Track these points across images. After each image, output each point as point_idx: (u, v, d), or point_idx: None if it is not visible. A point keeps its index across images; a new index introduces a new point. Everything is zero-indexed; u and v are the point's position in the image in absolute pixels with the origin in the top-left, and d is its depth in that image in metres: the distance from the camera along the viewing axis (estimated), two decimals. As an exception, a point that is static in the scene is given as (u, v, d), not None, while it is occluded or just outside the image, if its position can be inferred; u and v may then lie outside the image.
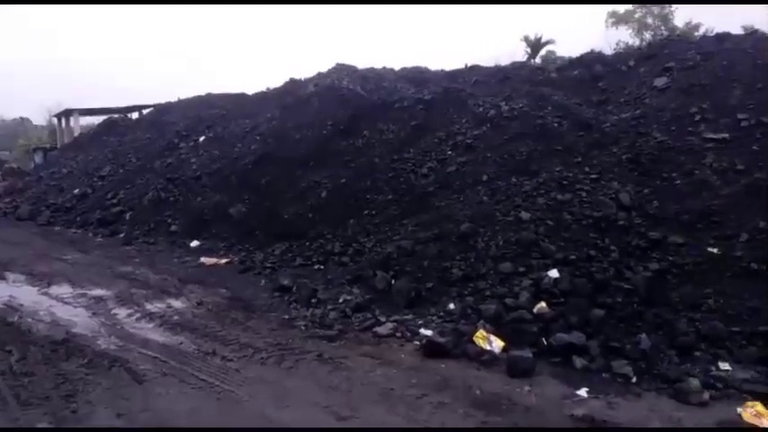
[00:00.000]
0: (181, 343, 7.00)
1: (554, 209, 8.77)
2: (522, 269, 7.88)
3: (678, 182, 8.97)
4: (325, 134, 13.67)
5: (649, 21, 52.63)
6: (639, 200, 8.93)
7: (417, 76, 17.91)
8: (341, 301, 8.40)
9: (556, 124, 11.26)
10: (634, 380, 6.02)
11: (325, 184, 12.23)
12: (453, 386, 5.83)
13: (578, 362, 6.35)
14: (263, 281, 9.98)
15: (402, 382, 5.94)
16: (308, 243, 11.09)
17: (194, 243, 12.77)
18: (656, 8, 52.24)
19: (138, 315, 8.11)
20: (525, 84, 14.43)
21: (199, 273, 10.67)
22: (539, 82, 14.64)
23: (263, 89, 21.26)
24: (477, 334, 6.81)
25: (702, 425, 5.08)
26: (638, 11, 52.67)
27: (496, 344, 6.66)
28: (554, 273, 7.56)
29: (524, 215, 8.77)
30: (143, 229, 14.25)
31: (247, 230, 12.48)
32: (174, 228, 13.79)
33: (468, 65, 18.20)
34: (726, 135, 9.50)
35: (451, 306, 7.80)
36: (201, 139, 17.95)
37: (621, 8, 53.03)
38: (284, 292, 9.12)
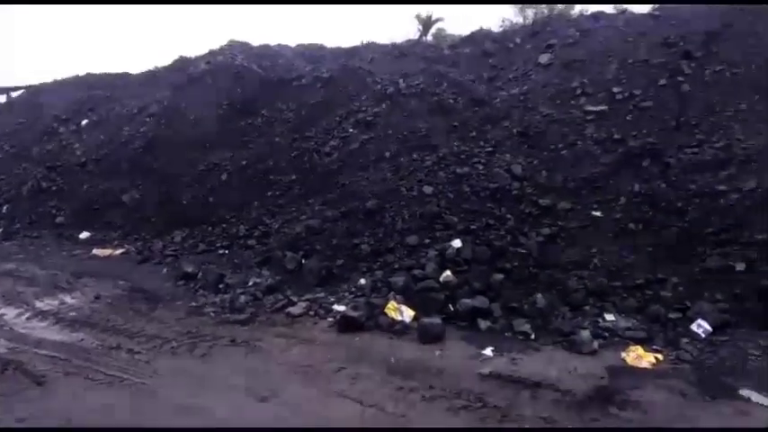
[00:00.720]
0: (81, 340, 6.62)
1: (454, 182, 9.15)
2: (427, 241, 8.20)
3: (564, 152, 9.64)
4: (221, 114, 13.22)
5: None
6: (530, 170, 9.52)
7: (314, 54, 17.71)
8: (250, 284, 8.30)
9: (452, 101, 11.68)
10: (533, 336, 6.54)
11: (225, 166, 11.89)
12: (369, 357, 6.02)
13: (483, 324, 6.79)
14: (164, 270, 9.60)
15: (319, 357, 6.04)
16: (210, 228, 10.78)
17: (84, 234, 11.96)
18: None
19: (28, 314, 7.53)
20: (421, 61, 14.73)
21: (93, 265, 10.04)
22: (433, 59, 14.99)
23: (150, 68, 20.01)
24: (389, 306, 7.04)
25: (594, 371, 5.65)
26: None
27: (407, 314, 6.92)
28: (457, 243, 7.93)
29: (427, 189, 9.08)
30: (24, 223, 13.11)
31: (143, 218, 11.88)
32: (59, 219, 12.81)
33: (365, 42, 18.24)
34: (604, 107, 10.31)
35: (362, 281, 7.96)
36: (84, 122, 16.64)
37: (506, -13, 55.31)
38: (189, 279, 8.84)
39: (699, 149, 8.58)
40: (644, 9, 12.78)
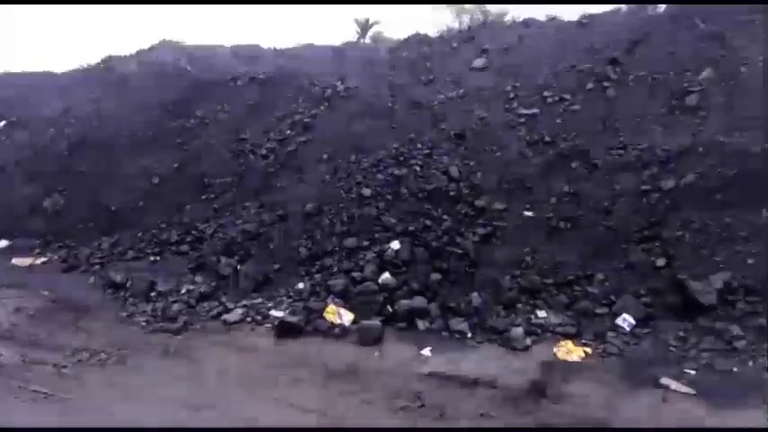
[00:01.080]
0: (0, 355, 6.21)
1: (392, 184, 9.21)
2: (366, 243, 8.21)
3: (498, 154, 9.88)
4: (152, 115, 12.76)
5: (467, 6, 56.76)
6: (466, 172, 9.69)
7: (250, 54, 17.36)
8: (183, 291, 8.05)
9: (389, 103, 11.75)
10: (469, 335, 6.68)
11: (156, 170, 11.48)
12: (308, 361, 5.97)
13: (421, 324, 6.86)
14: (91, 278, 9.16)
15: (257, 364, 5.93)
16: (140, 234, 10.37)
17: (2, 243, 11.23)
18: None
19: (-63, 331, 7.00)
20: (359, 64, 14.75)
21: (12, 276, 9.43)
22: (371, 62, 15.05)
23: (76, 67, 19.03)
24: (328, 309, 7.00)
25: (527, 366, 5.82)
26: (457, -6, 56.35)
27: (346, 317, 6.91)
28: (395, 244, 7.98)
29: (366, 191, 9.09)
30: (-68, 232, 12.15)
31: (67, 225, 11.27)
32: (-27, 227, 11.96)
33: (302, 43, 18.09)
34: (535, 110, 10.65)
35: (301, 285, 7.88)
36: (1, 124, 15.64)
37: (442, -8, 56.27)
38: (117, 288, 8.48)
39: (624, 151, 9.00)
40: (573, 16, 13.30)
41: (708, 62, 10.06)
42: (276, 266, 8.38)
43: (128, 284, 8.50)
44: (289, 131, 11.69)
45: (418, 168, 9.54)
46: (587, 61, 11.26)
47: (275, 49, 18.59)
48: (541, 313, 6.95)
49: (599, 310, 6.83)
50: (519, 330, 6.43)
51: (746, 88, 9.25)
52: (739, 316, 6.23)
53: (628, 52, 11.13)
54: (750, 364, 5.68)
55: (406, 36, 16.93)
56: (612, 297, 6.96)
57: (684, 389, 5.21)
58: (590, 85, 10.70)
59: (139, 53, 16.79)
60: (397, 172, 9.42)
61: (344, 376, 5.60)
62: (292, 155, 11.01)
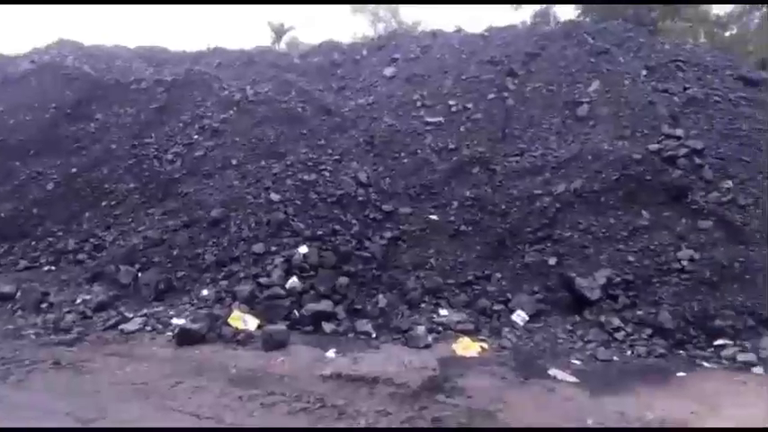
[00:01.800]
0: None
1: (301, 189, 9.22)
2: (274, 248, 8.17)
3: (405, 160, 10.16)
4: (48, 118, 12.02)
5: (381, 13, 57.72)
6: (375, 177, 9.90)
7: (155, 56, 16.79)
8: (79, 301, 7.66)
9: (300, 109, 11.75)
10: (374, 335, 6.83)
11: (52, 175, 10.84)
12: (209, 369, 5.87)
13: (327, 327, 6.93)
14: (-24, 291, 8.49)
15: (155, 374, 5.75)
16: (33, 242, 9.76)
17: None
18: (386, 2, 57.25)
19: None
20: (270, 68, 14.66)
21: None
22: (283, 67, 15.00)
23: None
24: (232, 315, 6.91)
25: (427, 363, 6.01)
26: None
27: (251, 322, 6.85)
28: (303, 249, 8.00)
29: (274, 196, 9.05)
30: None
31: (-50, 234, 10.40)
32: None
33: (212, 46, 17.69)
34: (441, 119, 11.05)
35: (205, 292, 7.73)
36: None
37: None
38: (6, 299, 7.94)
39: (520, 158, 9.55)
40: (476, 29, 13.94)
41: (596, 76, 10.88)
42: (180, 274, 8.18)
43: (17, 295, 7.99)
44: (196, 136, 11.42)
45: (328, 174, 9.62)
46: (489, 72, 11.84)
47: (184, 51, 18.09)
48: (443, 312, 7.23)
49: (496, 307, 7.21)
50: (421, 329, 6.65)
51: (629, 100, 10.09)
52: (620, 308, 6.78)
53: (525, 65, 11.83)
54: (628, 353, 6.21)
55: (320, 41, 17.07)
56: (509, 294, 7.37)
57: (570, 378, 5.61)
58: (491, 96, 11.25)
59: (34, 52, 15.78)
60: (306, 177, 9.45)
61: (246, 382, 5.55)
62: (200, 160, 10.76)
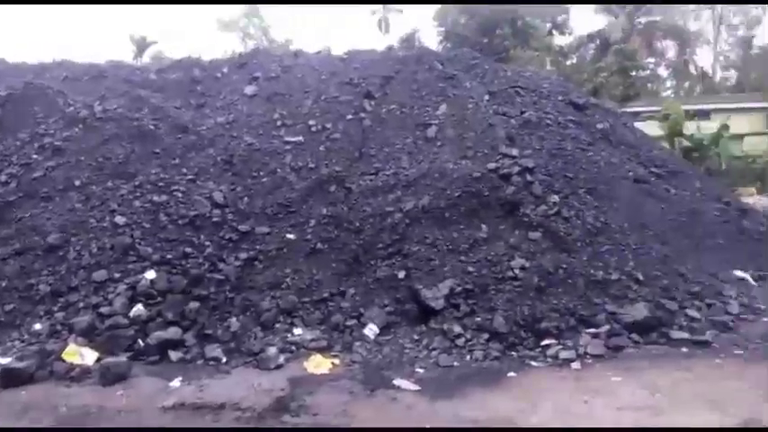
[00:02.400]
0: None
1: (150, 211, 8.84)
2: (117, 275, 7.75)
3: (264, 179, 10.12)
4: None
5: (252, 31, 57.10)
6: (233, 197, 9.74)
7: (-12, 68, 15.22)
8: None
9: (153, 126, 11.26)
10: (225, 360, 6.70)
11: None
12: (35, 410, 5.42)
13: (174, 355, 6.70)
14: None
15: (-33, 422, 5.19)
16: None
17: None
18: (256, 19, 56.86)
19: None
20: (122, 84, 13.88)
21: None
22: (137, 83, 14.28)
23: None
24: (67, 350, 6.45)
25: (277, 384, 6.03)
26: (242, 20, 56.47)
27: (89, 356, 6.43)
28: (151, 274, 7.67)
29: (120, 219, 8.59)
30: None
31: None
32: None
33: (58, 59, 16.39)
34: (300, 138, 11.16)
35: (38, 326, 7.13)
36: None
37: (227, 16, 55.93)
38: None
39: (375, 176, 9.92)
40: (337, 51, 14.30)
41: (444, 99, 11.63)
42: (9, 307, 7.47)
43: None
44: (35, 155, 10.50)
45: (180, 194, 9.31)
46: (347, 93, 12.18)
47: (24, 63, 16.58)
48: (297, 331, 7.28)
49: (349, 323, 7.40)
50: (273, 350, 6.65)
51: (472, 122, 10.90)
52: (461, 316, 7.27)
53: (381, 87, 12.33)
54: (468, 357, 6.67)
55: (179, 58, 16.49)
56: (362, 309, 7.60)
57: (412, 387, 5.91)
58: (349, 116, 11.58)
59: None
60: (156, 198, 9.08)
61: (77, 421, 5.20)
62: (38, 181, 9.90)
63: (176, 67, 16.03)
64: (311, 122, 11.56)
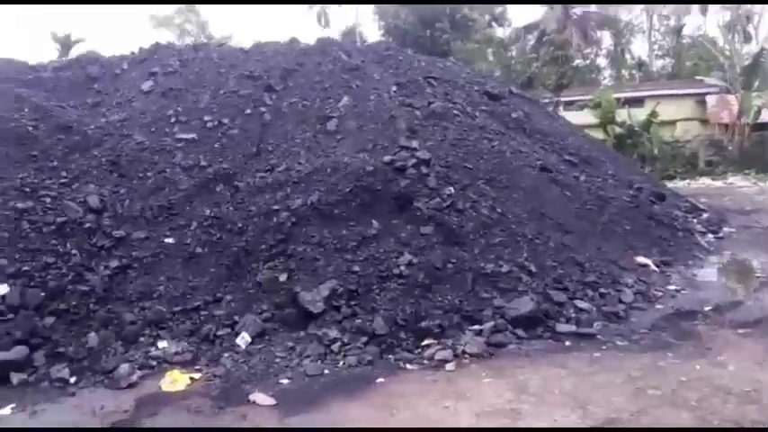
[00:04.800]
0: None
1: (11, 219, 8.04)
2: (-38, 292, 6.96)
3: (149, 180, 9.44)
4: None
5: (189, 27, 55.36)
6: (113, 200, 9.03)
7: None
8: None
9: (31, 128, 10.39)
10: (72, 380, 6.05)
11: None
12: None
13: (16, 378, 6.01)
14: None
15: None
16: None
17: None
18: (194, 16, 55.17)
19: None
20: (8, 83, 12.87)
21: None
22: (26, 82, 13.27)
23: None
24: None
25: (123, 406, 5.46)
26: (178, 17, 54.70)
27: None
28: (3, 288, 6.94)
29: (-27, 230, 7.77)
30: None
31: None
32: None
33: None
34: (194, 135, 10.51)
35: None
36: None
37: (162, 12, 54.07)
38: None
39: (269, 173, 9.38)
40: (239, 44, 13.65)
41: (346, 91, 11.18)
42: None
43: None
44: None
45: (49, 200, 8.54)
46: (247, 87, 11.59)
47: None
48: (162, 344, 6.69)
49: (221, 332, 6.85)
50: (125, 367, 6.05)
51: (373, 114, 10.50)
52: (341, 319, 6.83)
53: (283, 80, 11.78)
54: (341, 364, 6.22)
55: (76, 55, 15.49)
56: (237, 317, 7.06)
57: (268, 401, 5.42)
58: (248, 111, 11.00)
59: None
60: (20, 205, 8.27)
61: None
62: None
63: (74, 65, 15.05)
64: (207, 118, 10.91)
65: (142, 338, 6.82)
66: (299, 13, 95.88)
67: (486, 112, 12.76)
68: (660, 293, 8.12)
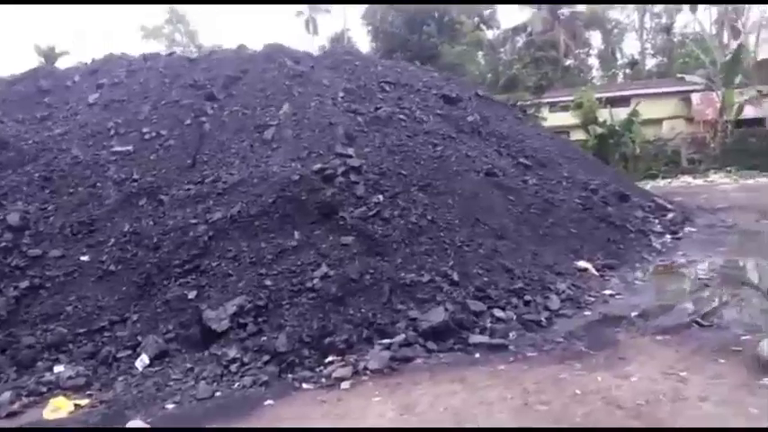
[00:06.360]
0: None
1: None
2: None
3: (76, 196, 9.21)
4: None
5: (178, 37, 55.42)
6: (38, 218, 8.81)
7: None
8: None
9: (-38, 144, 10.21)
10: (-44, 409, 5.79)
11: None
12: None
13: None
14: None
15: None
16: None
17: None
18: (183, 26, 55.25)
19: None
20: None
21: None
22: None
23: None
24: None
25: (-6, 436, 5.18)
26: (167, 27, 54.78)
27: None
28: None
29: None
30: None
31: None
32: None
33: None
34: (130, 147, 10.29)
35: None
36: None
37: (151, 23, 54.15)
38: None
39: (194, 186, 9.12)
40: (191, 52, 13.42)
41: (288, 98, 10.93)
42: None
43: None
44: None
45: (-35, 219, 8.33)
46: (189, 97, 11.39)
47: None
48: (58, 368, 6.42)
49: (121, 354, 6.57)
50: (6, 395, 5.79)
51: (312, 121, 10.24)
52: (245, 337, 6.54)
53: (226, 88, 11.57)
54: (236, 385, 5.93)
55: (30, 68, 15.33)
56: (140, 338, 6.78)
57: (142, 427, 5.14)
58: (188, 121, 10.79)
59: None
60: (-68, 225, 8.07)
61: None
62: None
63: (28, 77, 14.90)
64: (145, 129, 10.72)
65: (40, 363, 6.56)
66: (286, 19, 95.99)
67: (439, 116, 12.49)
68: (593, 299, 7.79)
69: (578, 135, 30.23)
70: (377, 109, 11.35)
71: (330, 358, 6.23)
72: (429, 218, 8.44)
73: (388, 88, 12.90)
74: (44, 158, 10.32)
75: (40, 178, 9.81)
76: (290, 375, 6.04)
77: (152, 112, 11.20)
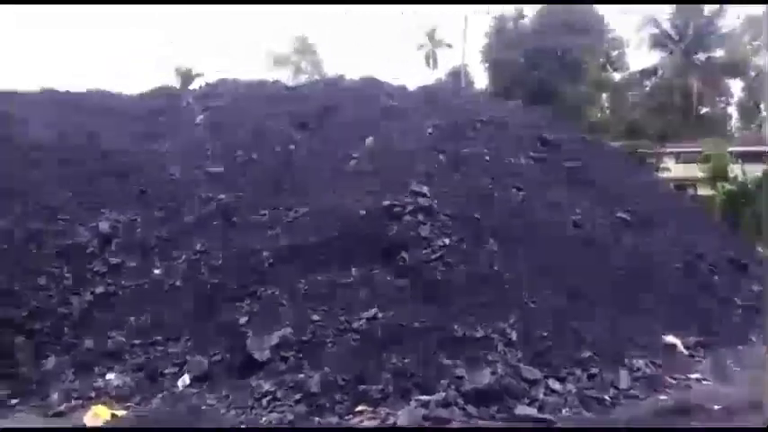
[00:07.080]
0: None
1: (20, 239, 8.60)
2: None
3: (163, 210, 9.75)
4: None
5: (303, 65, 58.59)
6: (126, 228, 9.38)
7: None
8: None
9: (76, 151, 11.22)
10: (14, 402, 6.23)
11: None
12: None
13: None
14: None
15: None
16: None
17: None
18: (309, 55, 58.36)
19: None
20: (75, 111, 14.13)
21: None
22: (110, 109, 14.49)
23: None
24: None
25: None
26: (294, 56, 58.14)
27: None
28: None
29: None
30: None
31: None
32: None
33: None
34: (221, 169, 10.80)
35: None
36: None
37: (279, 51, 57.75)
38: None
39: (272, 211, 9.30)
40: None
41: (374, 132, 10.96)
42: None
43: None
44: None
45: (63, 222, 9.08)
46: (283, 124, 11.80)
47: None
48: (110, 376, 6.71)
49: (169, 371, 6.74)
50: (56, 395, 6.14)
51: (393, 156, 10.14)
52: (284, 371, 6.43)
53: (318, 118, 11.84)
54: (262, 420, 5.81)
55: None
56: (188, 357, 6.91)
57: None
58: (278, 148, 11.15)
59: None
60: (33, 226, 8.85)
61: None
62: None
63: (155, 96, 16.32)
64: (239, 153, 11.22)
65: (97, 368, 6.88)
66: (407, 53, 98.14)
67: (533, 159, 11.89)
68: (674, 381, 6.81)
69: (705, 190, 27.61)
70: (462, 148, 11.00)
71: (361, 407, 5.93)
72: (495, 267, 7.92)
73: (479, 126, 12.52)
74: (144, 173, 11.09)
75: (136, 191, 10.53)
76: (317, 419, 5.81)
77: (247, 136, 11.70)
